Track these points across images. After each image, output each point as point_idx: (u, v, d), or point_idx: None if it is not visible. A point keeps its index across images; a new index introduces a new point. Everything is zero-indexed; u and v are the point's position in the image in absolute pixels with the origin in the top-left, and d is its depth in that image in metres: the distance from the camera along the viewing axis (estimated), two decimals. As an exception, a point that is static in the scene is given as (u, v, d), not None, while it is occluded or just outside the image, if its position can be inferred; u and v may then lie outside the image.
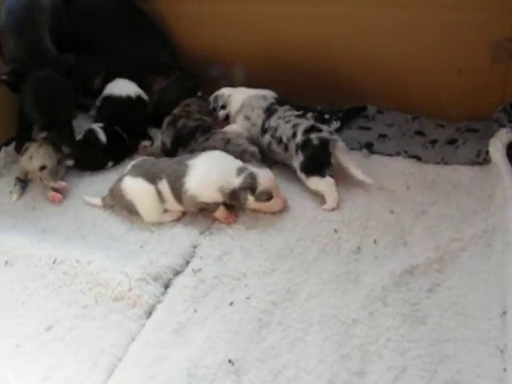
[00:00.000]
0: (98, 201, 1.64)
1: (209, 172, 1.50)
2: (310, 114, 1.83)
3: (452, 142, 1.79)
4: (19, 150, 1.77)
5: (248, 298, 1.28)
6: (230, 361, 1.13)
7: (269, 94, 1.84)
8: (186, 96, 1.94)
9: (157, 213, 1.55)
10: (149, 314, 1.27)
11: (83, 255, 1.39)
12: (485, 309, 1.19)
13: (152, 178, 1.53)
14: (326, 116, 1.90)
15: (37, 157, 1.71)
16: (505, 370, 1.06)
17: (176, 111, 1.82)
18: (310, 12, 1.97)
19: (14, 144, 1.89)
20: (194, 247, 1.46)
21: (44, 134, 1.75)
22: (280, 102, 1.80)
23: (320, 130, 1.61)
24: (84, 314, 1.28)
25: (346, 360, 1.11)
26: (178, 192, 1.51)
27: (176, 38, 2.20)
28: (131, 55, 2.04)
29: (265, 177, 1.51)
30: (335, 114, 1.93)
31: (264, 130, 1.73)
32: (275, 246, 1.43)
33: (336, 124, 1.88)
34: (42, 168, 1.69)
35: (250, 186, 1.48)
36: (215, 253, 1.42)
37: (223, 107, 1.86)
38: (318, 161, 1.57)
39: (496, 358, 1.08)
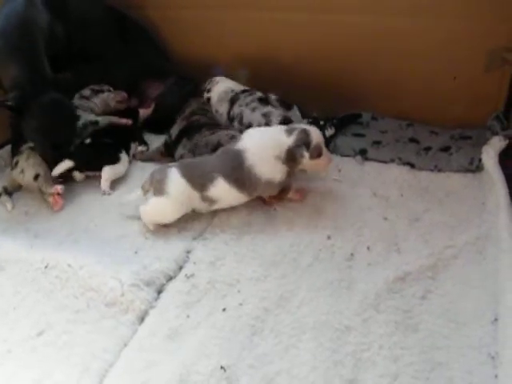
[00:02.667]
0: (137, 193, 1.55)
1: (263, 147, 1.49)
2: (273, 97, 1.86)
3: (445, 149, 1.80)
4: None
5: (241, 304, 1.27)
6: (222, 367, 1.12)
7: (237, 87, 1.91)
8: (185, 99, 1.95)
9: (171, 217, 1.52)
10: (141, 319, 1.26)
11: (75, 260, 1.38)
12: (477, 316, 1.19)
13: (201, 185, 1.49)
14: (321, 122, 1.90)
15: (27, 168, 1.69)
16: (496, 376, 1.06)
17: (195, 107, 1.85)
18: (306, 19, 1.98)
19: (6, 148, 1.89)
20: (188, 252, 1.45)
21: (30, 144, 1.73)
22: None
23: (291, 121, 1.69)
24: (76, 319, 1.27)
25: (338, 367, 1.11)
26: (241, 182, 1.48)
27: (170, 44, 2.21)
28: (125, 63, 2.04)
29: (315, 132, 1.52)
30: (330, 121, 1.93)
31: (231, 119, 1.82)
32: (269, 252, 1.43)
33: (331, 130, 1.89)
34: (36, 177, 1.68)
35: (305, 141, 1.48)
36: (208, 258, 1.42)
37: (208, 91, 1.95)
38: None
39: (488, 365, 1.08)
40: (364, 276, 1.33)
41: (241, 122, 1.80)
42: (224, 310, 1.26)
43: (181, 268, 1.40)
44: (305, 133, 1.49)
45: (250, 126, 1.74)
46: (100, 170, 1.73)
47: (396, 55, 1.93)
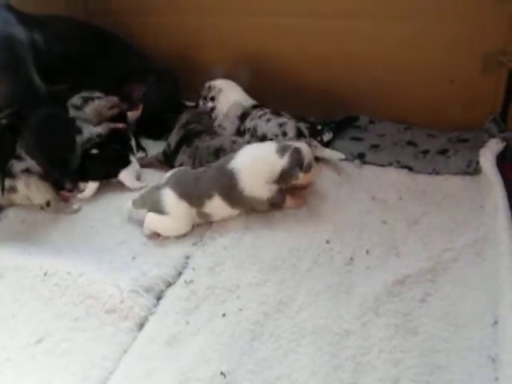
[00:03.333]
0: (128, 205, 1.58)
1: (255, 171, 1.51)
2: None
3: (443, 152, 1.80)
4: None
5: (240, 310, 1.27)
6: (222, 373, 1.12)
7: (248, 102, 1.92)
8: (168, 94, 1.95)
9: (181, 232, 1.54)
10: (141, 326, 1.26)
11: (74, 267, 1.38)
12: (477, 318, 1.19)
13: (197, 202, 1.51)
14: (319, 127, 1.91)
15: (35, 196, 1.68)
16: (497, 379, 1.05)
17: (189, 117, 1.85)
18: (303, 24, 1.99)
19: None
20: (187, 258, 1.46)
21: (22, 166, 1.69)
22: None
23: (304, 132, 1.77)
24: (75, 327, 1.26)
25: (338, 371, 1.11)
26: (235, 200, 1.52)
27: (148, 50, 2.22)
28: (106, 71, 2.03)
29: (306, 149, 1.54)
30: (327, 125, 1.93)
31: (241, 133, 1.86)
32: (268, 257, 1.43)
33: (328, 135, 1.89)
34: (48, 203, 1.68)
35: (298, 161, 1.50)
36: (208, 264, 1.42)
37: (212, 99, 1.94)
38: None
39: (488, 368, 1.08)
40: (363, 280, 1.33)
41: (254, 134, 1.81)
42: (223, 315, 1.26)
43: (180, 274, 1.40)
44: (297, 152, 1.51)
45: (264, 137, 1.77)
46: (116, 175, 1.75)
47: (393, 59, 1.94)
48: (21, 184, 1.68)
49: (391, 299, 1.26)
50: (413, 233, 1.47)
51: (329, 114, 1.98)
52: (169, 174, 1.60)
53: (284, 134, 1.75)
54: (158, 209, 1.51)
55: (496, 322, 1.16)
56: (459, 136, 1.88)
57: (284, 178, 1.51)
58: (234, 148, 1.66)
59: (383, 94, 2.01)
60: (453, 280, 1.30)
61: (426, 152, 1.82)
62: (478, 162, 1.66)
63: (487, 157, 1.64)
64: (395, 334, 1.18)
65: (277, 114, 1.83)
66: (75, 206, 1.70)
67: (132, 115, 2.02)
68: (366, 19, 1.90)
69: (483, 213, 1.50)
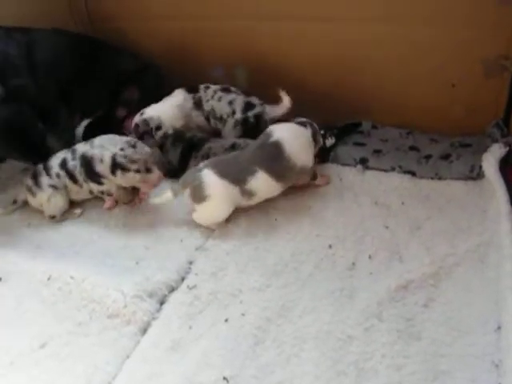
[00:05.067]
0: (167, 195, 1.55)
1: (297, 137, 1.60)
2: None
3: (446, 156, 1.80)
4: None
5: (243, 315, 1.27)
6: (225, 378, 1.12)
7: (182, 96, 1.92)
8: (154, 88, 1.99)
9: (224, 216, 1.55)
10: (144, 330, 1.26)
11: (78, 272, 1.39)
12: (480, 324, 1.19)
13: (239, 180, 1.52)
14: (321, 132, 1.91)
15: (48, 209, 1.69)
16: (500, 385, 1.05)
17: (171, 130, 1.84)
18: (305, 28, 1.99)
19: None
20: (190, 263, 1.46)
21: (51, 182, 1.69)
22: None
23: (253, 105, 1.86)
24: (78, 331, 1.27)
25: (341, 376, 1.11)
26: (280, 172, 1.55)
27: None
28: (98, 80, 2.03)
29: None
30: (330, 131, 1.94)
31: (208, 119, 1.92)
32: (270, 262, 1.43)
33: (331, 140, 1.89)
34: (52, 217, 1.70)
35: (317, 130, 1.67)
36: (210, 269, 1.42)
37: (158, 128, 1.84)
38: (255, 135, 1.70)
39: (491, 374, 1.08)
40: (366, 285, 1.33)
41: (214, 116, 1.90)
42: (226, 320, 1.26)
43: (183, 279, 1.40)
44: (313, 124, 1.66)
45: (221, 117, 1.88)
46: None
47: (395, 63, 1.94)
48: (42, 195, 1.68)
49: (394, 304, 1.26)
50: (416, 238, 1.47)
51: (331, 119, 1.98)
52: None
53: (233, 112, 1.86)
54: (201, 193, 1.51)
55: (499, 328, 1.16)
56: (462, 141, 1.89)
57: (315, 142, 1.64)
58: (248, 142, 1.70)
59: (385, 99, 2.01)
60: (456, 285, 1.30)
61: (428, 157, 1.82)
62: (480, 167, 1.66)
63: (490, 161, 1.64)
64: (398, 339, 1.17)
65: (226, 90, 1.91)
66: (77, 211, 1.71)
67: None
68: (367, 24, 1.90)
69: (486, 218, 1.50)
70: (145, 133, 1.84)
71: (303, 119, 1.68)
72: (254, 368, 1.14)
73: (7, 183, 1.90)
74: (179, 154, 1.79)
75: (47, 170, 1.69)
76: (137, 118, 1.87)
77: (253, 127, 1.84)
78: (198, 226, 1.57)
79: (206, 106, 1.91)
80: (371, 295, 1.29)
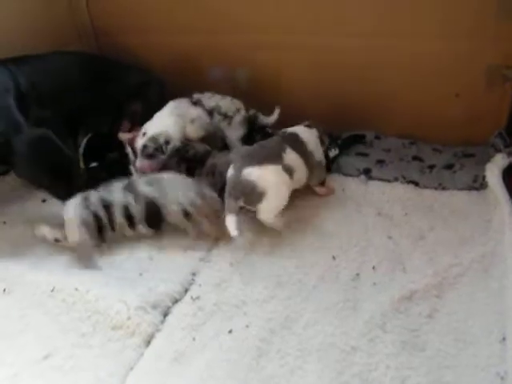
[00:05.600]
0: (230, 220, 1.47)
1: (310, 134, 1.70)
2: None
3: (449, 166, 1.81)
4: None
5: (247, 326, 1.27)
6: (228, 390, 1.12)
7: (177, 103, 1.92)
8: (157, 102, 1.97)
9: (286, 199, 1.55)
10: (147, 342, 1.26)
11: (82, 283, 1.39)
12: (484, 335, 1.19)
13: (276, 159, 1.55)
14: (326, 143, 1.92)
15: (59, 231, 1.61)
16: (506, 397, 1.05)
17: (179, 143, 1.84)
18: (308, 41, 2.01)
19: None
20: (193, 274, 1.46)
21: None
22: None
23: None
24: (82, 343, 1.27)
25: (345, 388, 1.10)
26: (305, 157, 1.62)
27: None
28: (104, 97, 2.04)
29: None
30: (334, 141, 1.95)
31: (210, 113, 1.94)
32: (274, 273, 1.43)
33: (334, 151, 1.90)
34: (56, 240, 1.62)
35: (322, 132, 1.77)
36: (214, 280, 1.42)
37: (167, 143, 1.81)
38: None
39: (497, 385, 1.08)
40: (369, 296, 1.33)
41: (219, 112, 1.95)
42: (230, 332, 1.26)
43: (186, 290, 1.40)
44: (318, 127, 1.75)
45: (226, 114, 1.94)
46: None
47: (398, 74, 1.95)
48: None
49: (398, 315, 1.26)
50: (419, 248, 1.48)
51: (334, 129, 1.99)
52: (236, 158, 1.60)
53: (238, 109, 1.95)
54: (253, 194, 1.50)
55: (504, 339, 1.16)
56: (465, 151, 1.89)
57: (322, 142, 1.73)
58: None
59: (389, 109, 2.02)
60: (460, 296, 1.30)
61: (431, 167, 1.82)
62: (484, 177, 1.67)
63: (493, 172, 1.64)
64: (402, 350, 1.17)
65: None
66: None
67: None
68: (370, 36, 1.92)
69: (490, 228, 1.50)
70: (156, 150, 1.79)
71: (308, 122, 1.74)
72: (257, 380, 1.14)
73: (11, 195, 1.90)
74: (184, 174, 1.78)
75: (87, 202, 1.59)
76: (142, 140, 1.81)
77: (253, 127, 1.96)
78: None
79: (210, 103, 1.93)
80: (375, 306, 1.29)
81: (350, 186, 1.77)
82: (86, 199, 1.57)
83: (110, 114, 2.04)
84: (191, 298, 1.37)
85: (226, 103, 1.96)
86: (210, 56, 2.19)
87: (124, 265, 1.51)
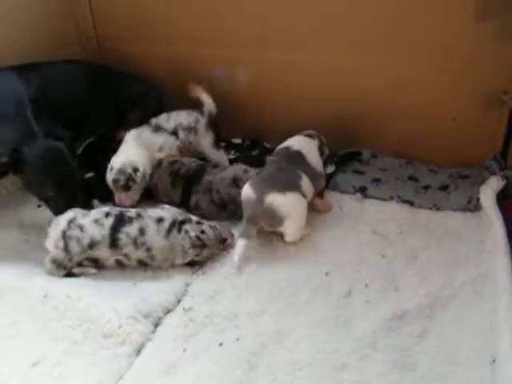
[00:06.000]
0: (241, 243, 1.51)
1: (311, 147, 1.78)
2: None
3: (444, 187, 1.82)
4: None
5: (238, 339, 1.27)
6: (217, 403, 1.11)
7: (137, 132, 1.90)
8: (155, 111, 2.00)
9: (305, 217, 1.61)
10: (138, 352, 1.26)
11: (74, 290, 1.39)
12: (475, 356, 1.19)
13: (295, 185, 1.60)
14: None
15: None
16: (494, 419, 1.05)
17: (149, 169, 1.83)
18: (305, 60, 2.03)
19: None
20: (187, 285, 1.46)
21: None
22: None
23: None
24: (72, 350, 1.26)
25: (334, 405, 1.10)
26: (310, 175, 1.67)
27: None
28: (107, 106, 2.06)
29: None
30: (330, 158, 1.96)
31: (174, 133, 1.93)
32: (267, 287, 1.43)
33: (331, 168, 1.92)
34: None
35: (323, 142, 1.85)
36: (207, 292, 1.42)
37: (136, 170, 1.76)
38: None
39: (486, 407, 1.08)
40: (361, 313, 1.33)
41: (183, 127, 1.94)
42: (221, 344, 1.26)
43: (179, 301, 1.40)
44: (320, 136, 1.83)
45: (190, 127, 1.95)
46: None
47: (396, 95, 1.97)
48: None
49: (389, 334, 1.26)
50: (412, 268, 1.48)
51: (330, 147, 2.00)
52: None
53: (197, 119, 1.97)
54: (275, 218, 1.55)
55: (494, 361, 1.16)
56: (460, 172, 1.90)
57: (321, 152, 1.81)
58: (248, 176, 1.70)
59: (386, 129, 2.03)
60: (451, 317, 1.30)
61: (427, 187, 1.84)
62: (478, 199, 1.68)
63: (488, 194, 1.66)
64: (392, 369, 1.17)
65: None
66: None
67: None
68: (369, 55, 1.94)
69: (483, 250, 1.51)
70: (128, 181, 1.75)
71: (311, 131, 1.80)
72: (247, 394, 1.13)
73: (8, 199, 1.90)
74: (181, 194, 1.79)
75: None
76: (111, 175, 1.76)
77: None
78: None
79: (170, 124, 1.93)
80: (367, 324, 1.29)
81: (346, 203, 1.78)
82: (74, 220, 1.52)
83: (111, 122, 2.05)
84: (183, 308, 1.37)
85: (184, 117, 1.96)
86: (210, 67, 2.21)
87: (118, 275, 1.51)
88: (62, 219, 1.53)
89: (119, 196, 1.77)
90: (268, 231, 1.60)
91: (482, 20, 1.74)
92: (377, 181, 1.89)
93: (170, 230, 1.52)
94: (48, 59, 1.97)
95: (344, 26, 1.94)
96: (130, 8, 2.24)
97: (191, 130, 1.95)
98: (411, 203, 1.76)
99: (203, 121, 1.98)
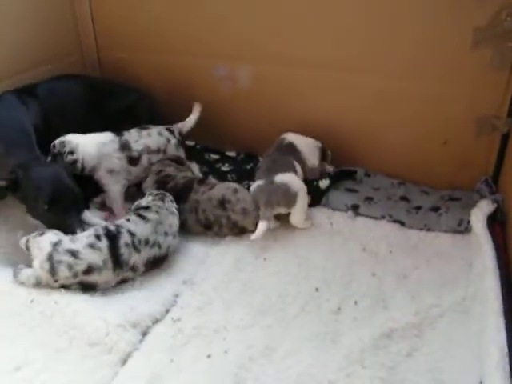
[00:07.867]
0: (262, 226, 1.63)
1: (305, 140, 1.96)
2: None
3: (435, 209, 1.83)
4: None
5: (226, 352, 1.26)
6: (202, 415, 1.10)
7: (109, 137, 1.92)
8: (147, 121, 2.04)
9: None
10: (124, 361, 1.24)
11: (62, 296, 1.38)
12: (462, 377, 1.19)
13: (292, 168, 1.80)
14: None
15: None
16: None
17: (154, 179, 1.83)
18: (297, 75, 2.06)
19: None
20: (176, 296, 1.45)
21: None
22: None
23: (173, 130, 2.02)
24: (56, 357, 1.25)
25: (320, 421, 1.10)
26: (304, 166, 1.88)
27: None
28: (100, 118, 2.07)
29: None
30: (325, 174, 1.98)
31: (134, 163, 1.92)
32: (256, 301, 1.43)
33: (325, 181, 1.93)
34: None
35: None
36: (196, 303, 1.42)
37: (71, 153, 1.82)
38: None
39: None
40: (350, 330, 1.33)
41: (150, 151, 1.93)
42: (209, 356, 1.25)
43: (167, 311, 1.39)
44: (323, 145, 1.99)
45: (159, 150, 1.95)
46: None
47: (389, 118, 1.99)
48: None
49: (377, 352, 1.26)
50: (402, 286, 1.49)
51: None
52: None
53: (168, 139, 1.98)
54: (289, 196, 1.69)
55: (481, 382, 1.16)
56: (451, 194, 1.92)
57: (323, 154, 1.98)
58: (238, 197, 1.69)
59: (379, 150, 2.06)
60: (439, 336, 1.31)
61: (418, 208, 1.85)
62: (468, 222, 1.69)
63: (478, 217, 1.67)
64: (380, 387, 1.17)
65: (143, 128, 1.98)
66: None
67: None
68: (363, 76, 1.96)
69: (472, 271, 1.52)
70: (58, 154, 1.81)
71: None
72: (233, 407, 1.12)
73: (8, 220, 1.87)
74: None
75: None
76: (57, 140, 1.84)
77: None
78: (187, 258, 1.57)
79: (137, 146, 1.92)
80: (355, 341, 1.29)
81: (337, 221, 1.79)
82: (60, 243, 1.46)
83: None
84: (172, 319, 1.36)
85: (154, 139, 1.95)
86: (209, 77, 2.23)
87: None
88: (44, 242, 1.47)
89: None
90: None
91: (475, 47, 1.77)
92: (369, 199, 1.89)
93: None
94: (44, 71, 2.06)
95: (341, 46, 1.96)
96: (132, 18, 2.26)
97: (160, 151, 1.95)
98: (402, 223, 1.77)
99: (173, 141, 1.98)
